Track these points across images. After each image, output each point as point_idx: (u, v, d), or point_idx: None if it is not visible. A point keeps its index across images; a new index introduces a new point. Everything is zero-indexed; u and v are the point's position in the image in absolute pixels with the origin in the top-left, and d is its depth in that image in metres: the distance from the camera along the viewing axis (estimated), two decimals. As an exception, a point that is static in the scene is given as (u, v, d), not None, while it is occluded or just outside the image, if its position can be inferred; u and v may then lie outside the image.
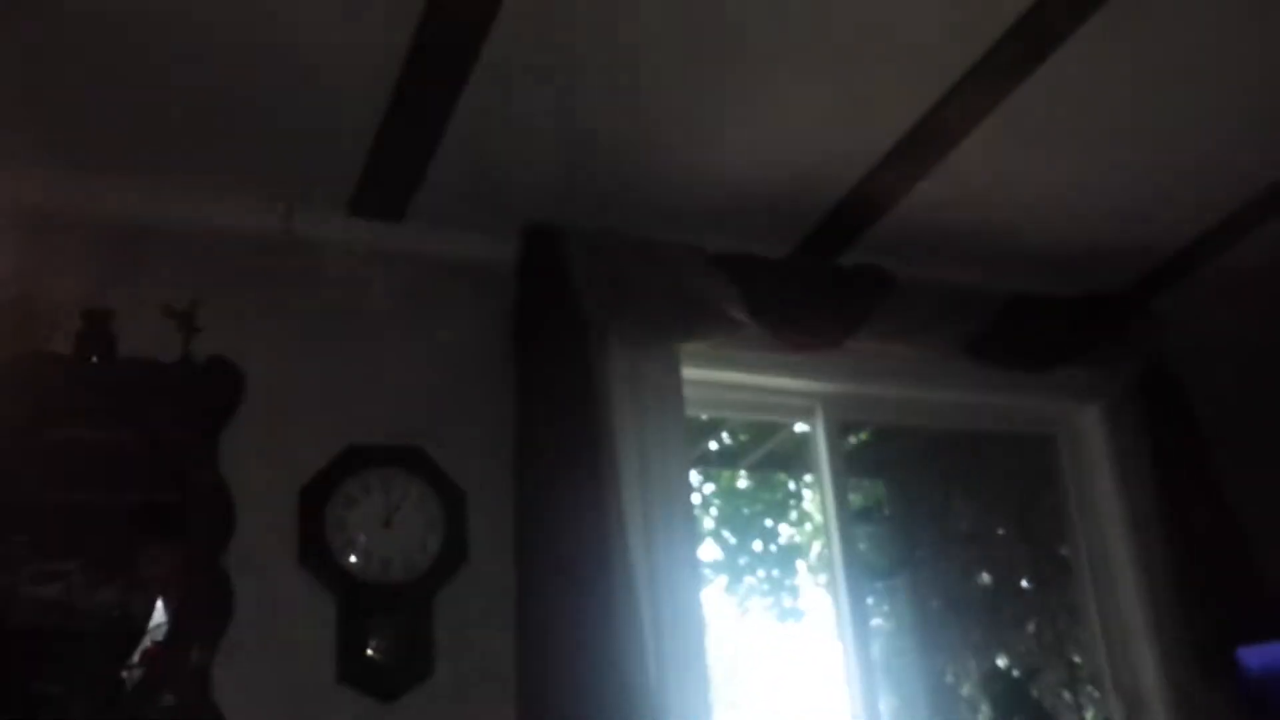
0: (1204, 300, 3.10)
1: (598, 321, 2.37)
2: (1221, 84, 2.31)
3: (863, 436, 3.32)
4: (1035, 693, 2.47)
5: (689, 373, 2.53)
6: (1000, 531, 3.14)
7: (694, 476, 2.81)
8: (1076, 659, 2.99)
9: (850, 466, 3.10)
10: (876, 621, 3.34)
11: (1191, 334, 3.07)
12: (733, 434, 3.10)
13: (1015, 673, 2.73)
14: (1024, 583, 3.10)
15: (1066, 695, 2.96)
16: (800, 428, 2.95)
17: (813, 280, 2.60)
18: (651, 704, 2.11)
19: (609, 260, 2.40)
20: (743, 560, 3.07)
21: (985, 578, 3.15)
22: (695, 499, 2.87)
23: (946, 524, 3.20)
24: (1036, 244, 2.80)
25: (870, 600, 3.30)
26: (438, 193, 2.31)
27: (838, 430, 2.79)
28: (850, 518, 2.78)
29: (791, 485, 3.05)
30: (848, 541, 2.69)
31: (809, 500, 2.97)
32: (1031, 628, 3.09)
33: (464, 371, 2.36)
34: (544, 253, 2.38)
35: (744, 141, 2.33)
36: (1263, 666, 2.66)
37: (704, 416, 2.97)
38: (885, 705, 3.17)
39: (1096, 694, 2.88)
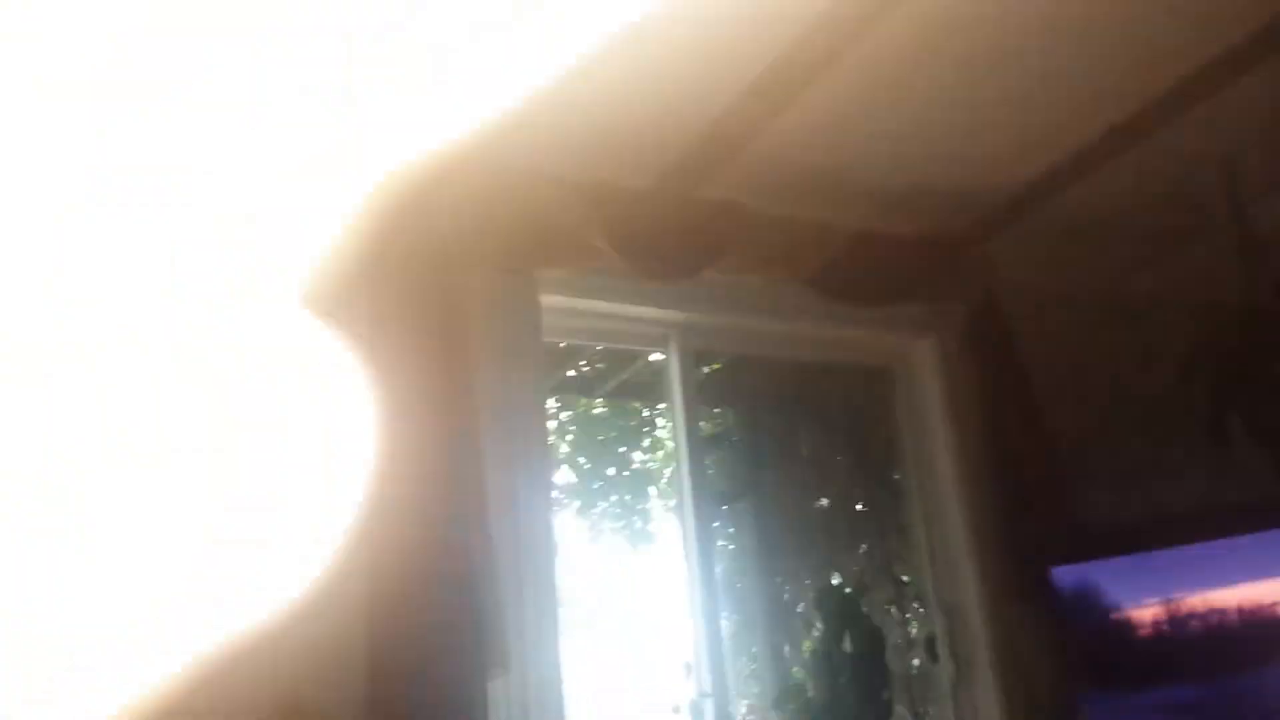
0: (1037, 244, 3.29)
1: (456, 248, 2.37)
2: (1061, 31, 2.42)
3: (715, 366, 3.41)
4: (865, 608, 2.62)
5: (547, 300, 2.56)
6: (839, 458, 3.30)
7: (551, 403, 2.85)
8: (905, 578, 3.18)
9: (702, 395, 3.19)
10: (721, 544, 3.47)
11: (1023, 276, 3.26)
12: (590, 362, 3.15)
13: (847, 590, 2.88)
14: (859, 506, 3.26)
15: (894, 611, 3.16)
16: (655, 357, 3.03)
17: (672, 212, 2.65)
18: (500, 625, 2.16)
19: (468, 186, 2.39)
20: (597, 485, 3.14)
21: (824, 501, 3.30)
22: (551, 425, 2.92)
23: (790, 451, 3.33)
24: (883, 183, 2.92)
25: (716, 524, 3.43)
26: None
27: (691, 359, 2.87)
28: (700, 444, 2.88)
29: (645, 413, 3.13)
30: (697, 467, 2.79)
31: (662, 428, 3.06)
32: (864, 548, 3.27)
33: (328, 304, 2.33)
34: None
35: (606, 71, 2.34)
36: (1072, 585, 2.89)
37: (561, 344, 3.00)
38: (726, 624, 3.32)
39: (921, 610, 3.08)
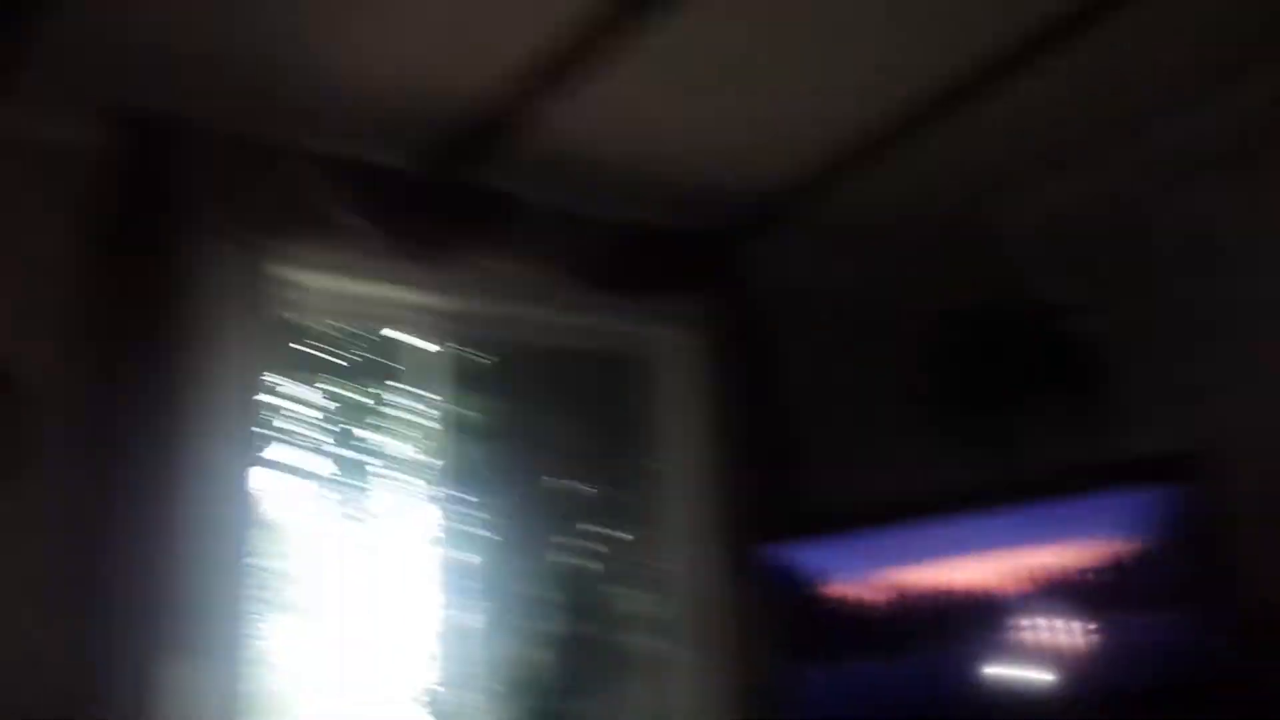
0: (797, 245, 3.41)
1: (200, 221, 2.26)
2: (830, 36, 2.51)
3: (477, 352, 3.38)
4: (605, 591, 2.66)
5: (303, 278, 2.49)
6: (597, 446, 3.33)
7: (301, 381, 2.75)
8: (647, 562, 3.25)
9: (462, 381, 3.15)
10: (478, 533, 3.44)
11: (781, 275, 3.39)
12: (342, 341, 3.06)
13: (588, 573, 2.93)
14: (613, 492, 3.31)
15: (634, 594, 3.23)
16: (416, 341, 2.98)
17: (438, 194, 2.62)
18: (183, 607, 2.10)
19: (217, 158, 2.28)
20: (343, 469, 3.05)
21: (581, 488, 3.33)
22: (301, 405, 2.81)
23: (550, 440, 3.34)
24: (650, 178, 2.97)
25: (471, 512, 3.39)
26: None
27: (455, 346, 2.85)
28: (460, 431, 2.85)
29: (401, 398, 3.06)
30: (454, 452, 2.77)
31: (419, 412, 3.00)
32: (616, 533, 3.32)
33: (52, 275, 2.22)
34: (147, 147, 2.22)
35: (376, 49, 2.28)
36: (796, 563, 2.94)
37: (314, 323, 2.90)
38: (478, 610, 3.30)
39: (661, 594, 3.16)
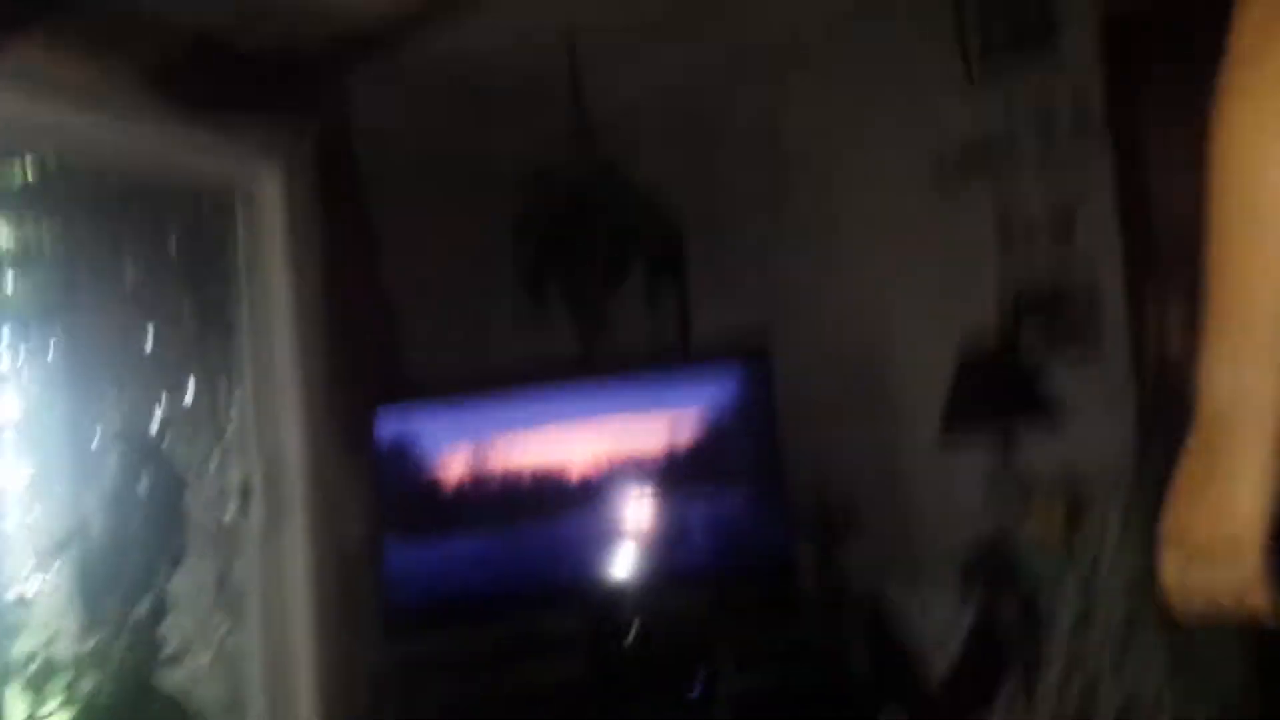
0: (396, 84, 3.24)
1: None
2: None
3: (27, 167, 2.97)
4: (166, 452, 2.48)
5: None
6: (169, 289, 3.06)
7: None
8: (230, 427, 3.07)
9: (7, 202, 2.77)
10: (22, 379, 3.09)
11: (377, 118, 3.21)
12: None
13: (151, 431, 2.71)
14: (187, 347, 3.07)
15: (213, 462, 3.05)
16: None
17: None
18: None
19: None
20: None
21: (149, 336, 3.06)
22: None
23: (113, 276, 3.02)
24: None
25: (19, 356, 3.03)
26: None
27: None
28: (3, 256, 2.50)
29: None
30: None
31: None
32: (190, 389, 3.10)
33: None
34: None
35: None
36: (392, 433, 2.98)
37: None
38: (23, 467, 2.98)
39: (239, 455, 3.01)
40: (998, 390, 2.62)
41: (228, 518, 2.96)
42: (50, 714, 2.12)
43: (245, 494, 2.92)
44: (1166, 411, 2.45)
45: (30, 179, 2.95)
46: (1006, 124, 3.01)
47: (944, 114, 3.09)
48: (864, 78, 3.25)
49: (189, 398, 3.06)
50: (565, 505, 2.98)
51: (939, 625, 2.71)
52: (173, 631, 2.68)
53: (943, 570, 2.74)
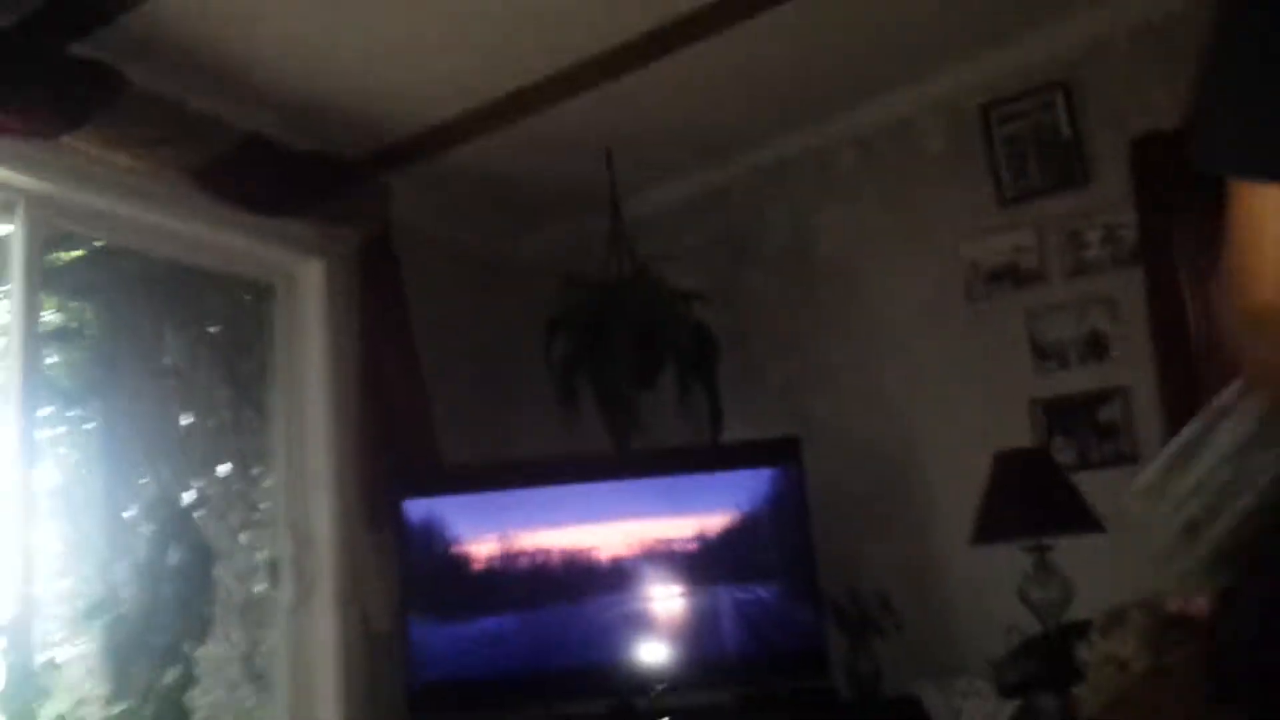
0: (434, 189, 3.36)
1: None
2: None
3: (78, 253, 3.05)
4: (198, 522, 2.48)
5: None
6: (207, 373, 3.11)
7: None
8: (263, 504, 3.08)
9: (57, 281, 2.84)
10: (60, 450, 3.11)
11: (416, 218, 3.32)
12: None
13: (183, 503, 2.72)
14: (222, 426, 3.10)
15: (243, 537, 3.05)
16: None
17: (30, 60, 2.29)
18: None
19: None
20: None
21: (184, 417, 3.09)
22: None
23: (153, 357, 3.07)
24: (288, 91, 2.79)
25: (55, 428, 3.06)
26: None
27: (41, 237, 2.52)
28: (43, 336, 2.54)
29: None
30: (34, 361, 2.46)
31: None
32: (223, 470, 3.12)
33: None
34: None
35: None
36: (422, 518, 2.99)
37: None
38: (59, 538, 2.97)
39: (271, 534, 3.01)
40: (1032, 496, 2.62)
41: (257, 591, 2.95)
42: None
43: (274, 569, 2.91)
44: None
45: (77, 260, 3.03)
46: (1038, 245, 3.09)
47: (975, 232, 3.17)
48: (894, 196, 3.35)
49: (222, 474, 3.08)
50: (594, 591, 2.97)
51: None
52: (201, 701, 2.64)
53: (977, 669, 2.69)
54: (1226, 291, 0.83)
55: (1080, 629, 2.33)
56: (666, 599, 2.99)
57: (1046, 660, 2.40)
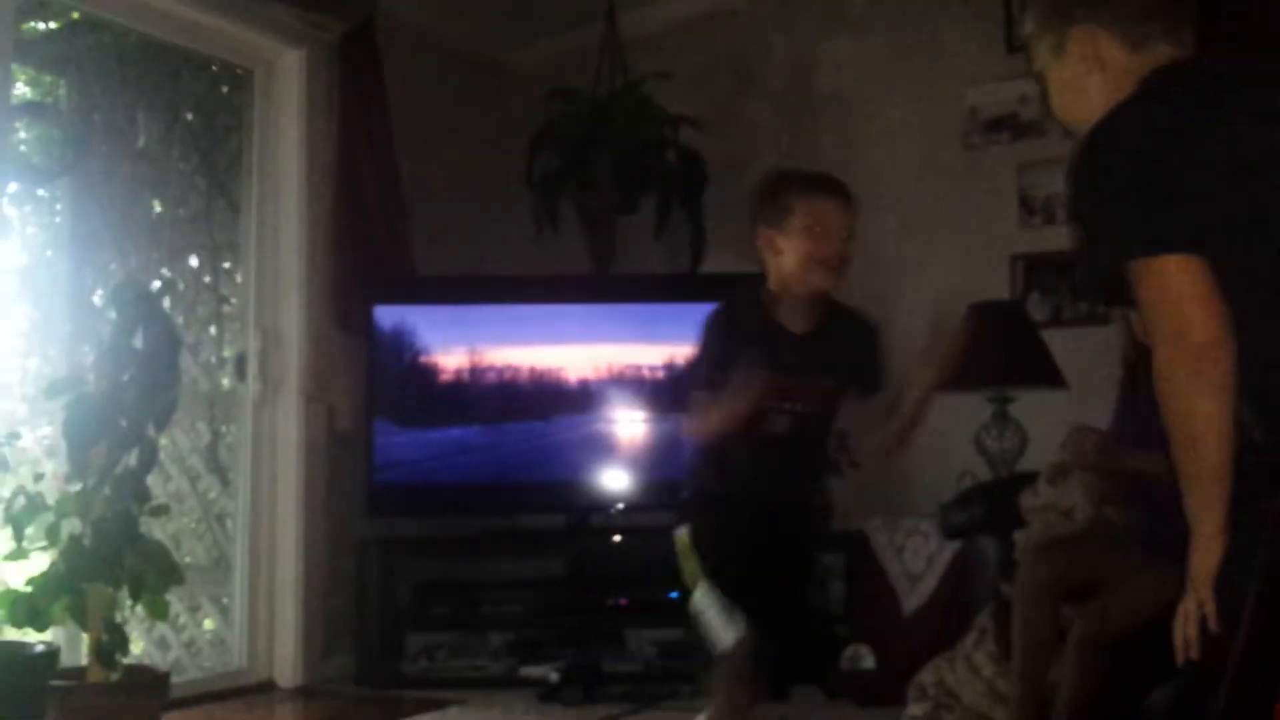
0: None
1: None
2: None
3: (54, 25, 2.94)
4: (166, 307, 2.45)
5: None
6: (180, 160, 3.03)
7: None
8: (232, 299, 3.05)
9: (27, 51, 2.74)
10: (29, 230, 3.08)
11: (405, 11, 3.18)
12: None
13: (152, 288, 2.69)
14: (193, 216, 3.04)
15: (212, 330, 3.04)
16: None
17: None
18: None
19: None
20: None
21: (156, 204, 3.03)
22: None
23: (126, 140, 2.98)
24: None
25: (25, 207, 3.02)
26: None
27: (16, 8, 2.42)
28: (15, 108, 2.46)
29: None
30: (4, 134, 2.39)
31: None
32: (194, 262, 3.08)
33: None
34: None
35: None
36: (393, 325, 2.98)
37: None
38: (23, 316, 2.97)
39: (241, 327, 3.00)
40: (999, 347, 2.61)
41: (224, 385, 2.97)
42: (31, 552, 2.11)
43: (241, 364, 2.91)
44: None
45: (53, 32, 2.91)
46: (1039, 95, 2.98)
47: (981, 77, 3.07)
48: (903, 33, 3.22)
49: (193, 265, 3.05)
50: (559, 410, 3.00)
51: (918, 563, 2.72)
52: (163, 489, 2.69)
53: (926, 511, 2.74)
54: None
55: (1029, 479, 2.37)
56: (630, 423, 3.01)
57: (991, 506, 2.44)
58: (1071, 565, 2.05)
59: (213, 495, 2.96)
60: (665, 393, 2.95)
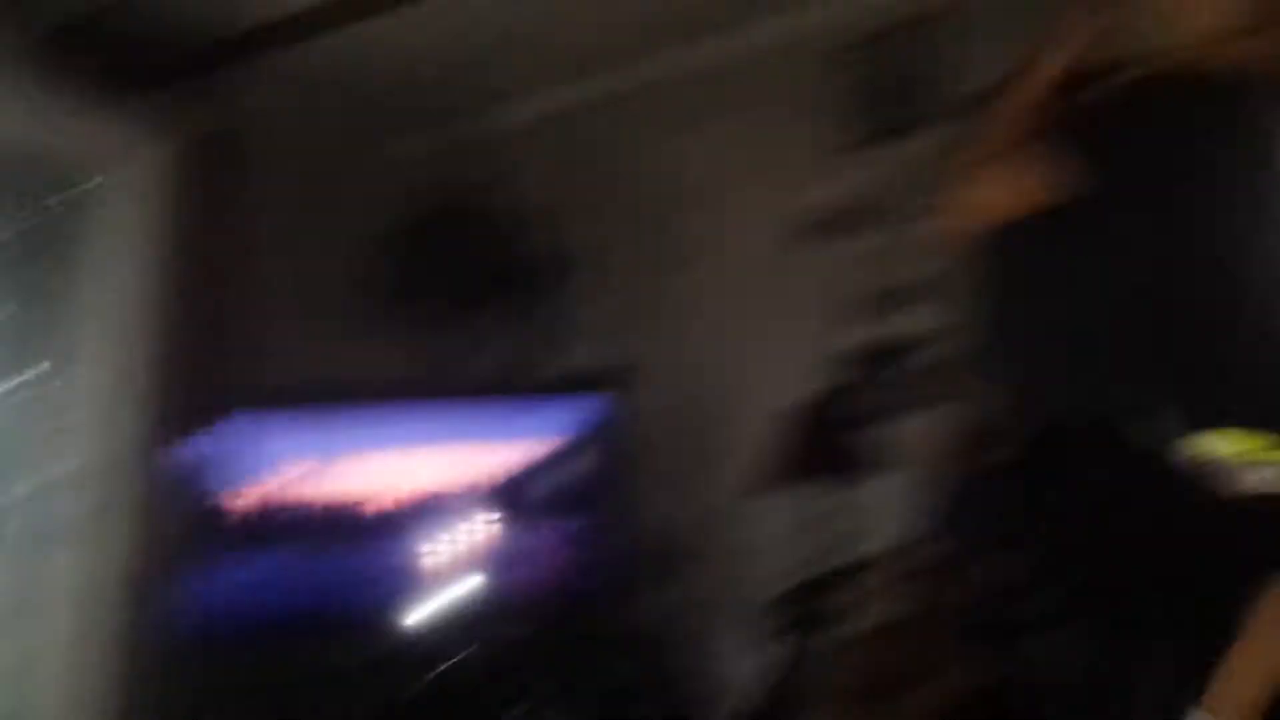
0: (279, 85, 3.20)
1: None
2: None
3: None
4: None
5: None
6: (14, 264, 2.93)
7: None
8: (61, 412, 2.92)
9: None
10: None
11: (258, 116, 3.17)
12: None
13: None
14: (24, 324, 2.96)
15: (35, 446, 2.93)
16: None
17: None
18: None
19: None
20: None
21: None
22: None
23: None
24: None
25: None
26: None
27: None
28: None
29: None
30: None
31: None
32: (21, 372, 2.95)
33: None
34: None
35: None
36: (226, 441, 2.72)
37: None
38: None
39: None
40: (814, 445, 2.62)
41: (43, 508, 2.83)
42: None
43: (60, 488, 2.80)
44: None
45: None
46: (882, 189, 3.04)
47: (818, 174, 3.13)
48: (743, 130, 3.29)
49: (18, 380, 2.95)
50: (383, 531, 2.81)
51: (748, 666, 2.70)
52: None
53: (753, 613, 2.74)
54: None
55: (848, 574, 2.37)
56: (464, 535, 2.84)
57: (802, 607, 2.44)
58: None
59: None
60: (507, 495, 2.87)
